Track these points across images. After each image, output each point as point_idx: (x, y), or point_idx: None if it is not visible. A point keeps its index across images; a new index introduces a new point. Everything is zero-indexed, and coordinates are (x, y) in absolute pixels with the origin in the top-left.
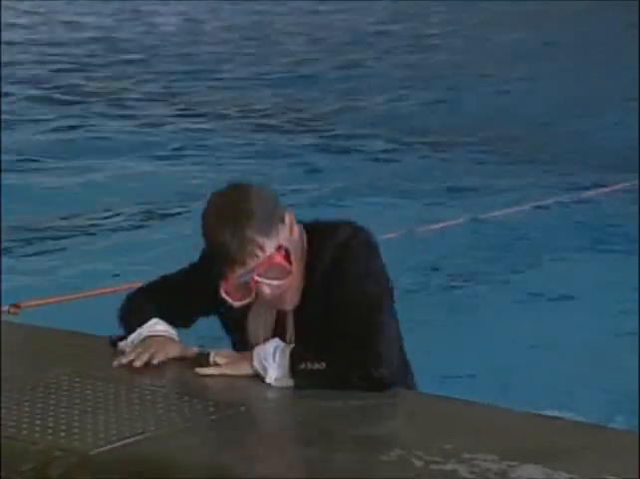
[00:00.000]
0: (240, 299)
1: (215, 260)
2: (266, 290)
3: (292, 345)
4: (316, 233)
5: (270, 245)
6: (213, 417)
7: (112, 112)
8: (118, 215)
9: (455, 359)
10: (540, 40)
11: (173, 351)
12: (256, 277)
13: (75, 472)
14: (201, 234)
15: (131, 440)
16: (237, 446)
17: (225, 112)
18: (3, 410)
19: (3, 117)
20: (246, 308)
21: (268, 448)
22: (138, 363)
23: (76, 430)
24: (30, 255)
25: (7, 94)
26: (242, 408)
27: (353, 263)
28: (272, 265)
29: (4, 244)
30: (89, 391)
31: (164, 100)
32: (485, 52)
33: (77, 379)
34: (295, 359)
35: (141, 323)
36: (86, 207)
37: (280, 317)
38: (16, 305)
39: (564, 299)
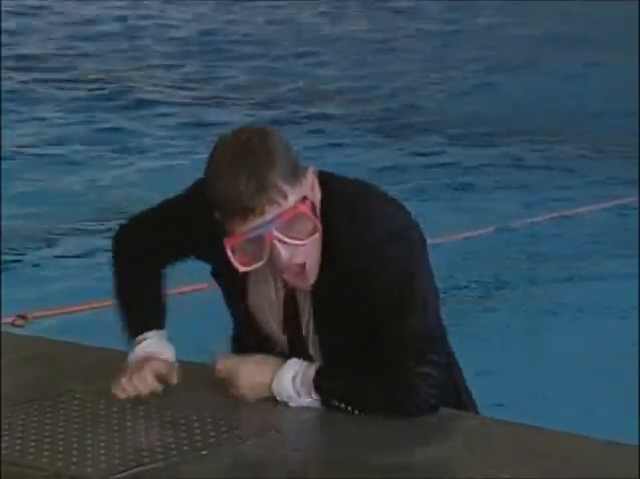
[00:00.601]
0: (248, 264)
1: (222, 210)
2: (284, 253)
3: (314, 375)
4: (342, 209)
5: (294, 195)
6: (239, 441)
7: None
8: None
9: None
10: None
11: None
12: (275, 232)
13: None
14: (205, 180)
15: (149, 467)
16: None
17: None
18: (6, 432)
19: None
20: (245, 276)
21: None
22: (122, 396)
23: (89, 455)
24: None
25: None
26: (272, 432)
27: (390, 271)
28: (297, 216)
29: None
30: (102, 411)
31: None
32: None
33: (89, 398)
34: (325, 396)
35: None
36: None
37: (289, 294)
38: (22, 316)
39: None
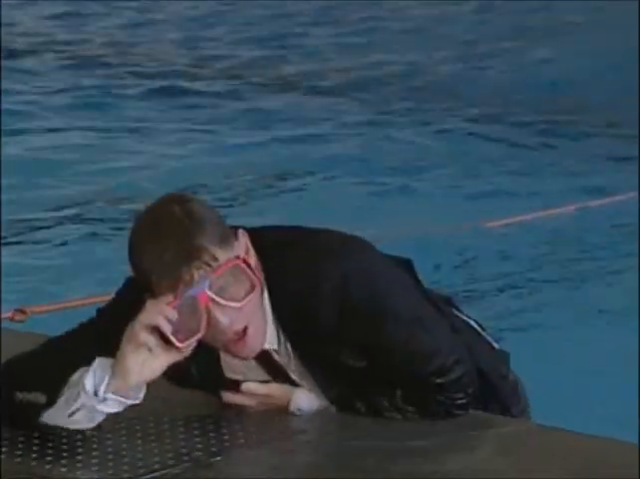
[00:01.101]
0: (185, 338)
1: (149, 286)
2: (223, 319)
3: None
4: (279, 265)
5: (225, 255)
6: (248, 448)
7: None
8: None
9: None
10: None
11: None
12: (208, 292)
13: None
14: (129, 258)
15: (157, 474)
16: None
17: None
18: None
19: None
20: (209, 356)
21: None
22: None
23: (95, 461)
24: None
25: None
26: (293, 436)
27: (361, 310)
28: (230, 269)
29: None
30: (121, 414)
31: None
32: None
33: None
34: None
35: None
36: None
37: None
38: (21, 311)
39: None
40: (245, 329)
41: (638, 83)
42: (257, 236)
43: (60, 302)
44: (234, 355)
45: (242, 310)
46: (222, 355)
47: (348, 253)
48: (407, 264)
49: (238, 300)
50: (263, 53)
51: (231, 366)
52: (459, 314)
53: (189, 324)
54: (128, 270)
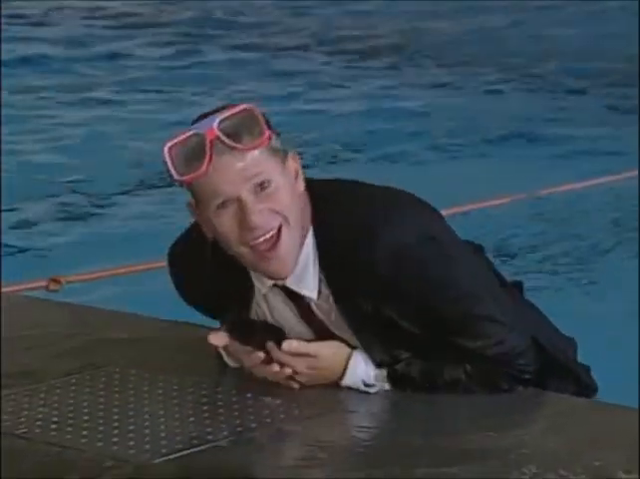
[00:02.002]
0: (187, 172)
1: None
2: (228, 159)
3: (385, 371)
4: (332, 212)
5: (276, 143)
6: (296, 422)
7: None
8: None
9: None
10: None
11: None
12: (215, 128)
13: None
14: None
15: (197, 449)
16: (318, 456)
17: None
18: (41, 409)
19: None
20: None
21: (356, 457)
22: None
23: (131, 435)
24: None
25: None
26: (332, 413)
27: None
28: (244, 117)
29: None
30: (146, 388)
31: None
32: None
33: (132, 372)
34: (401, 380)
35: None
36: None
37: (305, 313)
38: (56, 280)
39: None
40: (279, 232)
41: None
42: (312, 184)
43: (94, 272)
44: (265, 273)
45: (271, 197)
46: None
47: (408, 213)
48: (478, 248)
49: (245, 145)
50: None
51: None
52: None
53: (193, 162)
54: None
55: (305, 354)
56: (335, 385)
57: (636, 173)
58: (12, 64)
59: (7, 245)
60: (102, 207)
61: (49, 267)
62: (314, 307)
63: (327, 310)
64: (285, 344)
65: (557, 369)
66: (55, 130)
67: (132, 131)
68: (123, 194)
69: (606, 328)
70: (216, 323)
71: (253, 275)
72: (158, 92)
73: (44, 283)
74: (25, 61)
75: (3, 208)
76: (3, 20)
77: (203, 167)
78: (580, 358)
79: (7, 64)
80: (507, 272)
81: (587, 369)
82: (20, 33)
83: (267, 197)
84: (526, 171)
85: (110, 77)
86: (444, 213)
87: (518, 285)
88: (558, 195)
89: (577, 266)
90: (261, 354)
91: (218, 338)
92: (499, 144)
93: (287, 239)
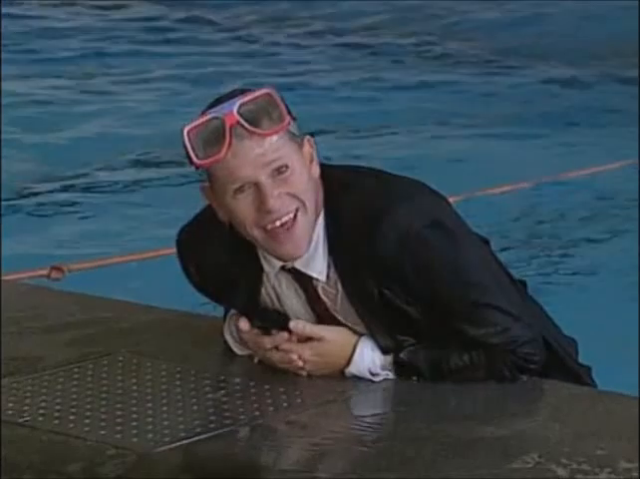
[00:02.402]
0: (206, 157)
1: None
2: (249, 144)
3: (390, 358)
4: (343, 196)
5: (293, 128)
6: (299, 410)
7: None
8: None
9: None
10: None
11: None
12: (235, 113)
13: (134, 474)
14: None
15: (201, 437)
16: (323, 444)
17: None
18: (44, 397)
19: None
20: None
21: (360, 445)
22: None
23: (134, 423)
24: None
25: None
26: (336, 401)
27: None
28: (263, 102)
29: None
30: (149, 376)
31: None
32: None
33: (134, 361)
34: (407, 368)
35: None
36: None
37: (312, 296)
38: (58, 268)
39: None
40: (295, 216)
41: None
42: (326, 169)
43: (96, 260)
44: (278, 254)
45: (288, 181)
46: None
47: (417, 199)
48: (485, 241)
49: (264, 130)
50: None
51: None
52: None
53: (213, 147)
54: None
55: (310, 337)
56: (339, 375)
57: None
58: None
59: None
60: None
61: None
62: (320, 292)
63: (333, 296)
64: (292, 323)
65: (560, 368)
66: None
67: None
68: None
69: None
70: (220, 313)
71: (262, 258)
72: None
73: (46, 272)
74: None
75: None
76: None
77: (222, 152)
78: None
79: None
80: None
81: (588, 369)
82: None
83: (284, 181)
84: None
85: None
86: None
87: (523, 283)
88: None
89: None
90: (285, 334)
91: (243, 323)
92: None
93: (302, 222)
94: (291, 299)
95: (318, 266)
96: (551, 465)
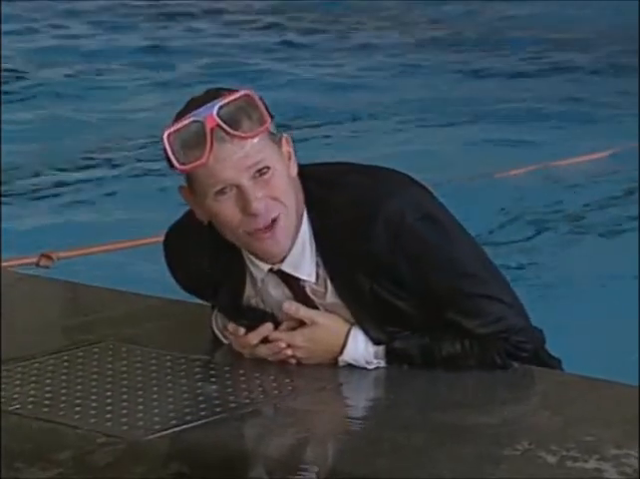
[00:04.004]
0: (188, 162)
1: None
2: (230, 148)
3: (384, 347)
4: (328, 192)
5: (272, 126)
6: (289, 397)
7: None
8: None
9: None
10: None
11: None
12: (215, 115)
13: (124, 462)
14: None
15: (191, 425)
16: (314, 431)
17: None
18: (33, 385)
19: None
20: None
21: (351, 432)
22: None
23: (124, 411)
24: None
25: None
26: (327, 388)
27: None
28: (242, 104)
29: None
30: (139, 364)
31: None
32: None
33: (124, 349)
34: (399, 356)
35: None
36: None
37: (298, 294)
38: (47, 256)
39: None
40: (278, 219)
41: None
42: (303, 167)
43: (85, 248)
44: (261, 254)
45: (269, 183)
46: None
47: (407, 192)
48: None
49: (245, 132)
50: None
51: (267, 303)
52: None
53: (194, 151)
54: None
55: (302, 324)
56: (331, 363)
57: None
58: None
59: None
60: None
61: None
62: (308, 291)
63: (322, 294)
64: (286, 304)
65: (533, 359)
66: None
67: None
68: None
69: None
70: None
71: (249, 262)
72: None
73: (35, 259)
74: None
75: None
76: None
77: (205, 156)
78: None
79: None
80: None
81: (559, 362)
82: None
83: (265, 182)
84: None
85: None
86: None
87: None
88: None
89: None
90: (269, 325)
91: (231, 326)
92: None
93: (284, 224)
94: (277, 299)
95: (307, 268)
96: (541, 452)
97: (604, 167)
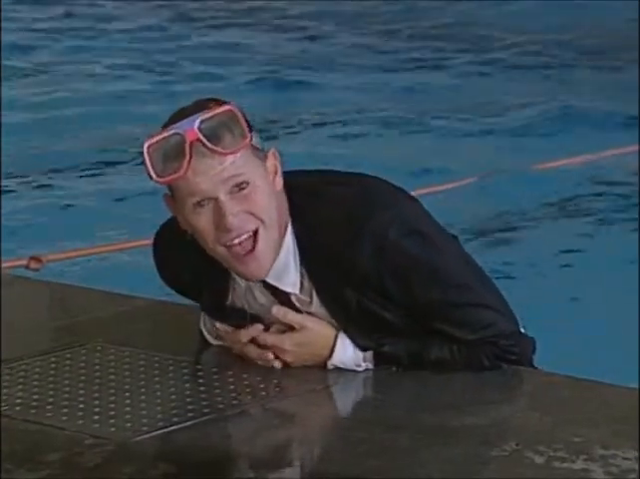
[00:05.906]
0: (166, 174)
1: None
2: (209, 163)
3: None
4: (312, 204)
5: (256, 142)
6: (277, 399)
7: None
8: None
9: None
10: None
11: None
12: (196, 128)
13: (112, 463)
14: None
15: (178, 426)
16: (302, 431)
17: None
18: (20, 386)
19: None
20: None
21: (339, 433)
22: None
23: (112, 413)
24: None
25: None
26: (314, 390)
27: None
28: (224, 118)
29: None
30: (127, 366)
31: None
32: None
33: (112, 351)
34: (388, 359)
35: None
36: None
37: (285, 304)
38: (36, 259)
39: None
40: (256, 234)
41: None
42: (288, 178)
43: (75, 250)
44: (241, 274)
45: (248, 198)
46: (240, 294)
47: (392, 205)
48: (454, 237)
49: (225, 148)
50: None
51: (252, 307)
52: None
53: (173, 163)
54: None
55: (291, 328)
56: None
57: None
58: None
59: None
60: None
61: None
62: (294, 299)
63: (307, 304)
64: (275, 308)
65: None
66: None
67: None
68: None
69: None
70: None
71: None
72: None
73: (24, 262)
74: None
75: None
76: None
77: (182, 169)
78: None
79: None
80: None
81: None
82: None
83: (244, 198)
84: None
85: None
86: None
87: None
88: None
89: None
90: (259, 326)
91: (219, 324)
92: None
93: (264, 240)
94: (262, 303)
95: (291, 280)
96: (529, 452)
97: None
